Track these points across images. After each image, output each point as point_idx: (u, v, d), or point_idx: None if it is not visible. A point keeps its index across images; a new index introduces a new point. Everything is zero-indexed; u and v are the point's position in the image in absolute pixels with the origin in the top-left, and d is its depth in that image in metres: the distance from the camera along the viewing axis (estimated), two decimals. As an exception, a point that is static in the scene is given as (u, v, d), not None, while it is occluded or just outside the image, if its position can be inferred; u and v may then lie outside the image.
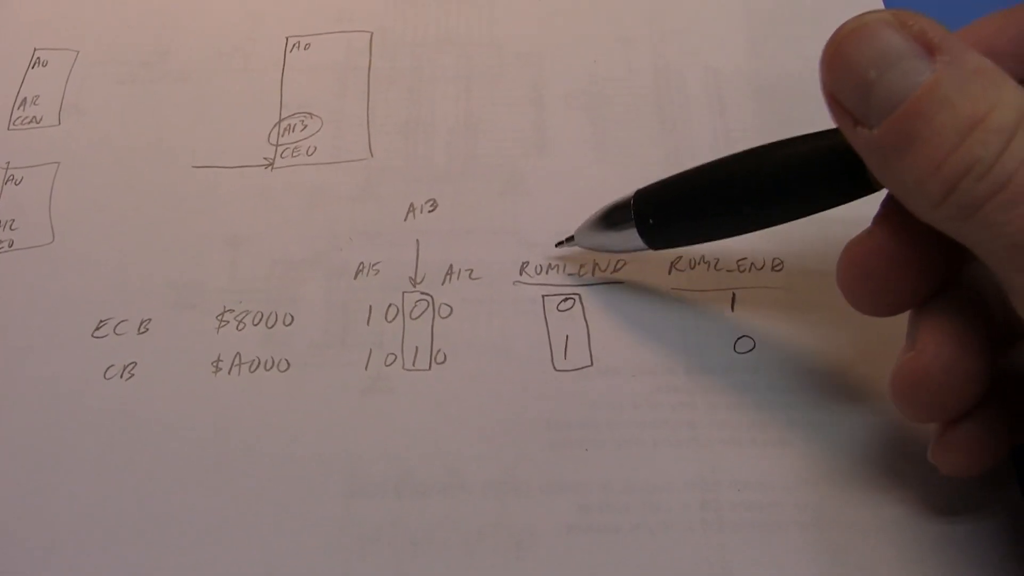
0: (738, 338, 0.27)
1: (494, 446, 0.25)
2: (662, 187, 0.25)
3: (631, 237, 0.26)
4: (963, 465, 0.22)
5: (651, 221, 0.25)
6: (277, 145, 0.31)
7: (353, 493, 0.25)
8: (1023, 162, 0.17)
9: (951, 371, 0.21)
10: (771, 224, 0.24)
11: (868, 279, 0.22)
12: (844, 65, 0.19)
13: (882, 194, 0.21)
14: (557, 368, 0.27)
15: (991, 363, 0.21)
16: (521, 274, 0.28)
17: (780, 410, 0.26)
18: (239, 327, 0.28)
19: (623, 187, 0.27)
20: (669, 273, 0.28)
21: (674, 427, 0.25)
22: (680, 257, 0.28)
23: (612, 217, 0.26)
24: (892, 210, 0.21)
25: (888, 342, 0.26)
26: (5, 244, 0.30)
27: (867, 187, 0.21)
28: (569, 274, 0.28)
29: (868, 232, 0.22)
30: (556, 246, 0.28)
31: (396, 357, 0.27)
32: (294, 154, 0.31)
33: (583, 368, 0.27)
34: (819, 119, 0.31)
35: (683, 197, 0.25)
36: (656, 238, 0.25)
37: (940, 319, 0.21)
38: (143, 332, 0.28)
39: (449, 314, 0.28)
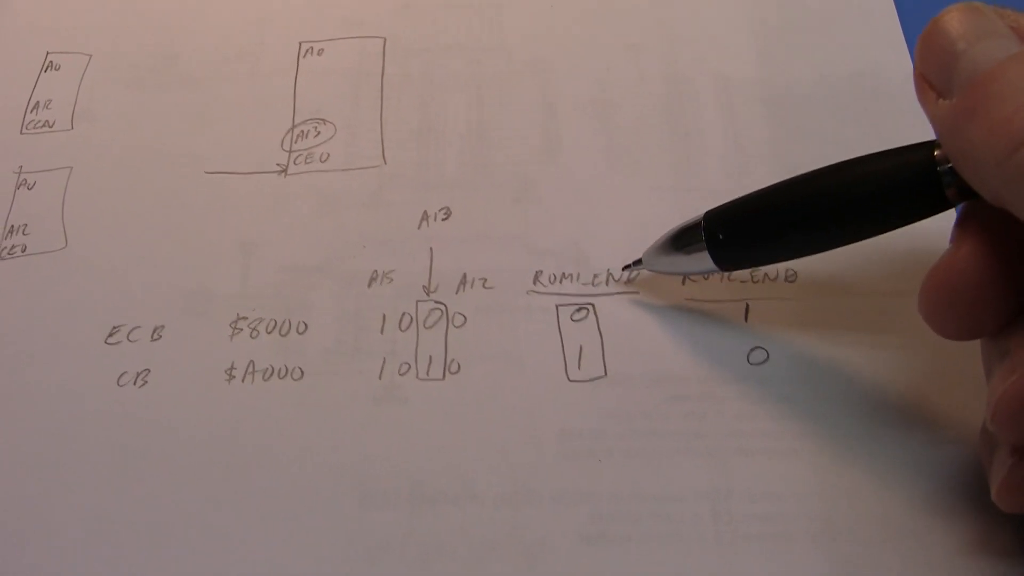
0: (751, 349, 0.27)
1: (507, 457, 0.25)
2: (733, 207, 0.25)
3: (701, 259, 0.26)
4: None
5: (721, 237, 0.25)
6: (290, 151, 0.31)
7: (366, 502, 0.25)
8: None
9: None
10: (845, 243, 0.24)
11: (956, 303, 0.21)
12: (937, 39, 0.20)
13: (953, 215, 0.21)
14: (571, 378, 0.27)
15: None
16: (535, 283, 0.28)
17: (792, 421, 0.26)
18: (252, 335, 0.28)
19: (634, 193, 0.27)
20: (683, 283, 0.28)
21: (687, 437, 0.25)
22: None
23: (682, 239, 0.26)
24: (970, 228, 0.21)
25: (902, 355, 0.26)
26: (18, 249, 0.30)
27: (944, 203, 0.21)
28: (583, 284, 0.28)
29: (951, 254, 0.21)
30: (623, 269, 0.28)
31: (410, 366, 0.27)
32: (307, 160, 0.31)
33: (597, 378, 0.27)
34: (829, 127, 0.31)
35: (755, 217, 0.25)
36: (726, 259, 0.25)
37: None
38: (156, 339, 0.28)
39: (463, 323, 0.28)
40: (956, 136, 0.19)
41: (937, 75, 0.20)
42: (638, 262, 0.28)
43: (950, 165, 0.21)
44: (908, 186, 0.22)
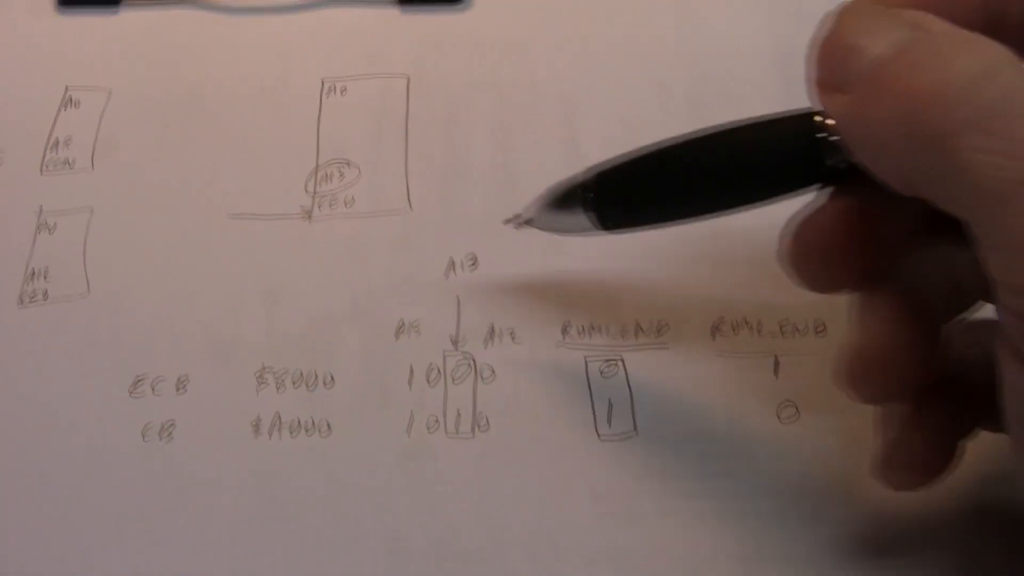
0: (782, 405, 0.27)
1: (537, 515, 0.25)
2: (615, 168, 0.24)
3: (583, 219, 0.25)
4: (908, 480, 0.23)
5: (598, 199, 0.24)
6: (314, 195, 0.31)
7: (394, 559, 0.25)
8: (1000, 98, 0.17)
9: (896, 351, 0.21)
10: (729, 210, 0.23)
11: (819, 255, 0.22)
12: (832, 37, 0.20)
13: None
14: (600, 435, 0.26)
15: (934, 349, 0.22)
16: (564, 336, 0.28)
17: (824, 481, 0.25)
18: (279, 387, 0.27)
19: (664, 240, 0.26)
20: (713, 338, 0.28)
21: (718, 498, 0.25)
22: (722, 319, 0.28)
23: (565, 198, 0.25)
24: (845, 189, 0.22)
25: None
26: (40, 295, 0.29)
27: (824, 175, 0.21)
28: (612, 337, 0.28)
29: (821, 208, 0.22)
30: (504, 223, 0.28)
31: (438, 422, 0.27)
32: (332, 205, 0.31)
33: (627, 436, 0.26)
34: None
35: (636, 179, 0.24)
36: (608, 220, 0.25)
37: (885, 302, 0.22)
38: (181, 390, 0.27)
39: (491, 377, 0.27)
40: (858, 124, 0.19)
41: (836, 72, 0.20)
42: (517, 216, 0.27)
43: (831, 136, 0.20)
44: (787, 154, 0.21)
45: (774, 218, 0.22)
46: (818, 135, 0.21)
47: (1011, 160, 0.17)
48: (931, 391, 0.22)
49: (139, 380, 0.28)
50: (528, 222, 0.27)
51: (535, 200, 0.27)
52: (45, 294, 0.29)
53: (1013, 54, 0.18)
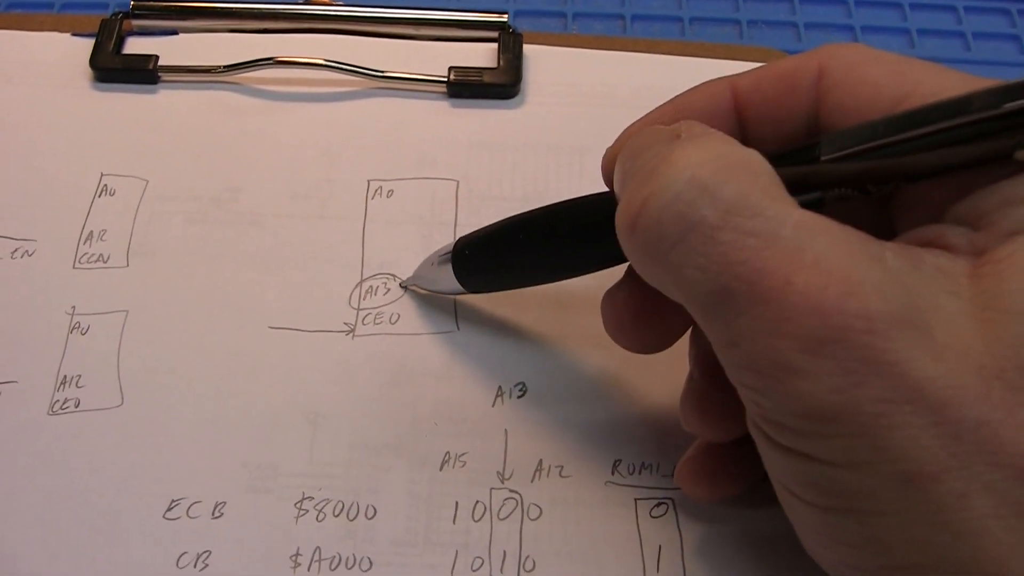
0: (835, 557, 0.26)
1: (583, 665, 0.25)
2: (476, 235, 0.28)
3: (451, 279, 0.28)
4: (704, 494, 0.26)
5: (460, 261, 0.28)
6: (359, 309, 0.30)
7: None
8: (700, 212, 0.19)
9: (705, 395, 0.24)
10: (560, 276, 0.27)
11: (625, 325, 0.25)
12: (607, 153, 0.24)
13: None
14: (650, 582, 0.26)
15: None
16: (613, 473, 0.27)
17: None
18: (319, 517, 0.26)
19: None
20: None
21: (770, 655, 0.25)
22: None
23: (440, 260, 0.29)
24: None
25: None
26: (71, 404, 0.28)
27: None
28: (663, 476, 0.27)
29: (618, 284, 0.25)
30: (400, 286, 0.31)
31: (483, 562, 0.26)
32: (376, 321, 0.30)
33: (676, 582, 0.26)
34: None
35: (487, 245, 0.27)
36: (469, 281, 0.28)
37: (696, 347, 0.25)
38: (217, 517, 0.26)
39: (539, 516, 0.26)
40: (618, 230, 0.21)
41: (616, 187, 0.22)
42: (411, 278, 0.30)
43: None
44: (603, 231, 0.23)
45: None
46: None
47: (711, 275, 0.18)
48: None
49: (174, 503, 0.27)
50: (409, 280, 0.30)
51: (419, 265, 0.30)
52: (77, 403, 0.28)
53: (733, 152, 0.19)
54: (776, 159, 0.20)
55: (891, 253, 0.19)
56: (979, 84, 0.19)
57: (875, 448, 0.18)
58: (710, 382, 0.24)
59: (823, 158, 0.20)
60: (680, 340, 0.25)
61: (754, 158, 0.20)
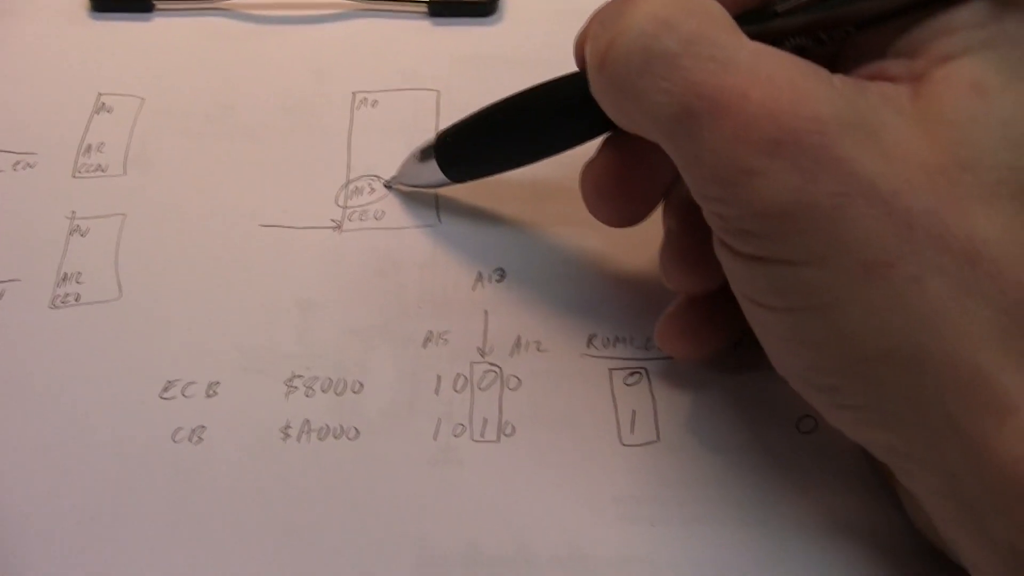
0: (801, 417, 0.27)
1: (562, 520, 0.26)
2: (455, 126, 0.29)
3: (435, 171, 0.29)
4: (686, 350, 0.27)
5: (444, 152, 0.29)
6: (345, 207, 0.31)
7: (421, 563, 0.25)
8: (664, 45, 0.20)
9: (683, 244, 0.26)
10: (542, 155, 0.28)
11: (603, 195, 0.26)
12: (588, 30, 0.24)
13: None
14: (624, 443, 0.27)
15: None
16: (588, 346, 0.29)
17: (842, 494, 0.26)
18: (308, 393, 0.28)
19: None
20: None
21: (741, 505, 0.26)
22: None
23: (422, 156, 0.30)
24: (614, 136, 0.26)
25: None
26: (71, 298, 0.30)
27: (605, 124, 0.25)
28: (637, 347, 0.28)
29: (594, 157, 0.26)
30: (384, 186, 0.32)
31: (465, 428, 0.27)
32: (362, 218, 0.31)
33: (650, 443, 0.27)
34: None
35: (467, 133, 0.28)
36: (452, 171, 0.29)
37: (670, 201, 0.26)
38: (211, 395, 0.28)
39: (518, 386, 0.28)
40: (591, 81, 0.23)
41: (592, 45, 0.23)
42: (394, 178, 0.32)
43: None
44: (574, 107, 0.25)
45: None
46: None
47: (675, 97, 0.20)
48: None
49: (170, 384, 0.28)
50: (393, 179, 0.32)
51: (402, 163, 0.31)
52: (77, 297, 0.30)
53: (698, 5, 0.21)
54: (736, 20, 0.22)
55: (838, 80, 0.21)
56: None
57: (833, 240, 0.19)
58: (687, 230, 0.25)
59: (779, 9, 0.22)
60: (651, 224, 0.27)
61: (711, 3, 0.21)
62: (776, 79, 0.20)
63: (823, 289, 0.20)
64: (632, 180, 0.26)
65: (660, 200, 0.27)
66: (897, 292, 0.19)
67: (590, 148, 0.27)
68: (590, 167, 0.26)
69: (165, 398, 0.28)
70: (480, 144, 0.29)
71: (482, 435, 0.27)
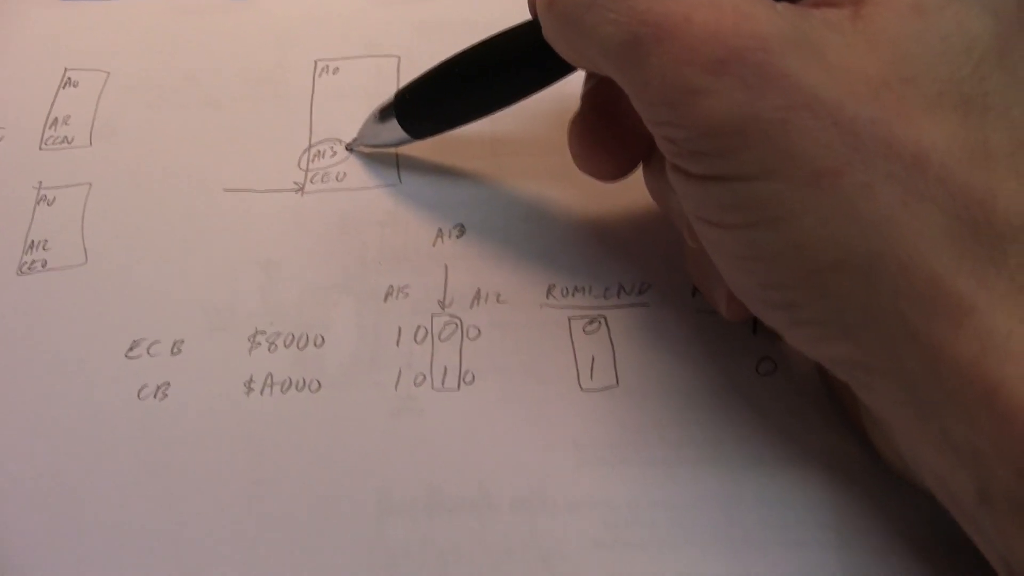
0: (760, 360, 0.28)
1: (522, 465, 0.26)
2: (414, 83, 0.29)
3: (395, 129, 0.30)
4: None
5: (399, 112, 0.30)
6: (307, 170, 0.32)
7: (383, 511, 0.25)
8: None
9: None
10: (501, 104, 0.28)
11: (587, 150, 0.27)
12: None
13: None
14: (583, 388, 0.27)
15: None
16: (548, 297, 0.29)
17: (800, 433, 0.26)
18: (271, 348, 0.28)
19: (647, 206, 0.28)
20: (693, 295, 0.29)
21: (699, 446, 0.26)
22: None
23: (382, 115, 0.30)
24: (587, 87, 0.27)
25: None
26: (38, 264, 0.30)
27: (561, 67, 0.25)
28: (595, 297, 0.29)
29: (577, 115, 0.27)
30: (346, 148, 0.32)
31: (425, 377, 0.27)
32: (324, 180, 0.32)
33: (609, 388, 0.27)
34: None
35: (426, 89, 0.29)
36: (413, 128, 0.30)
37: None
38: (176, 353, 0.28)
39: (477, 336, 0.28)
40: (542, 21, 0.24)
41: None
42: (355, 140, 0.32)
43: None
44: (529, 53, 0.26)
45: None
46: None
47: (622, 26, 0.21)
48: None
49: (135, 344, 0.28)
50: (354, 142, 0.32)
51: (363, 124, 0.32)
52: (44, 263, 0.30)
53: None
54: None
55: (781, 6, 0.21)
56: None
57: (782, 153, 0.20)
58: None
59: None
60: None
61: None
62: (719, 3, 0.20)
63: (775, 202, 0.20)
64: (613, 131, 0.26)
65: (638, 162, 0.27)
66: (848, 200, 0.19)
67: (547, 100, 0.27)
68: (574, 123, 0.27)
69: (131, 357, 0.28)
70: (439, 97, 0.29)
71: (443, 384, 0.27)
